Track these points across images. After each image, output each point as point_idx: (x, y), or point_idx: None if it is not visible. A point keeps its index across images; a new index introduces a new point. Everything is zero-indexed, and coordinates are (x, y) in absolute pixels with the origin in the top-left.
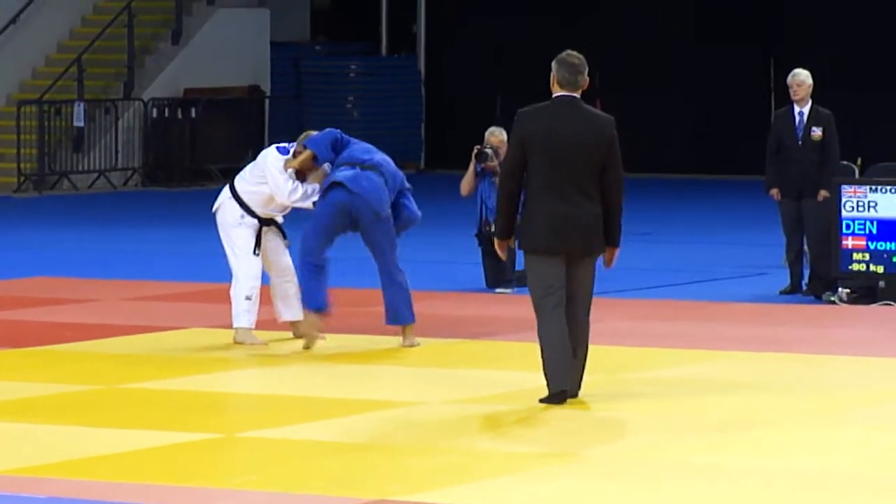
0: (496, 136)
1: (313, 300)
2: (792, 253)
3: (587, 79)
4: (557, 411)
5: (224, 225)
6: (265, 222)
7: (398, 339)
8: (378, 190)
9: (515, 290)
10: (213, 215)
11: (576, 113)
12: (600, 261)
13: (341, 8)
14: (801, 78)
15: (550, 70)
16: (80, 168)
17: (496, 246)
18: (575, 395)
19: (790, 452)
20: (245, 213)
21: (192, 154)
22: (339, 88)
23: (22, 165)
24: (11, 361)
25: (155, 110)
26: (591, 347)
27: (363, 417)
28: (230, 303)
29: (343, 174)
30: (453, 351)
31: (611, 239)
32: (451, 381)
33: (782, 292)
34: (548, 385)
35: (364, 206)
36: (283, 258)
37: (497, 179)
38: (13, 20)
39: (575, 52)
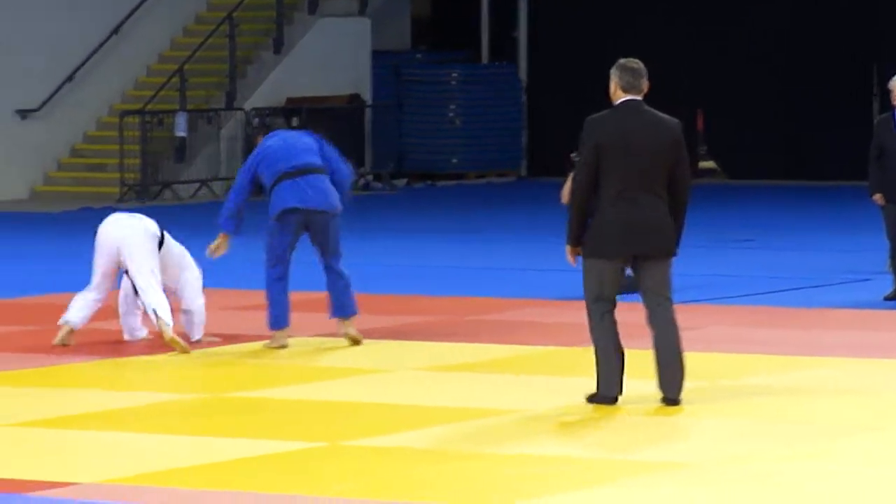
0: None
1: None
2: (895, 258)
3: (648, 83)
4: (657, 419)
5: None
6: None
7: (494, 348)
8: (326, 191)
9: (624, 296)
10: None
11: (644, 117)
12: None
13: (442, 16)
14: None
15: (609, 78)
16: (183, 178)
17: (567, 253)
18: (677, 401)
19: (895, 460)
20: None
21: None
22: (439, 97)
23: (124, 176)
24: (113, 371)
25: (257, 119)
26: (692, 354)
27: (463, 425)
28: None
29: (281, 200)
30: (552, 358)
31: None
32: (549, 389)
33: (886, 298)
34: (597, 388)
35: (317, 215)
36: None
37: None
38: (115, 31)
39: (631, 59)
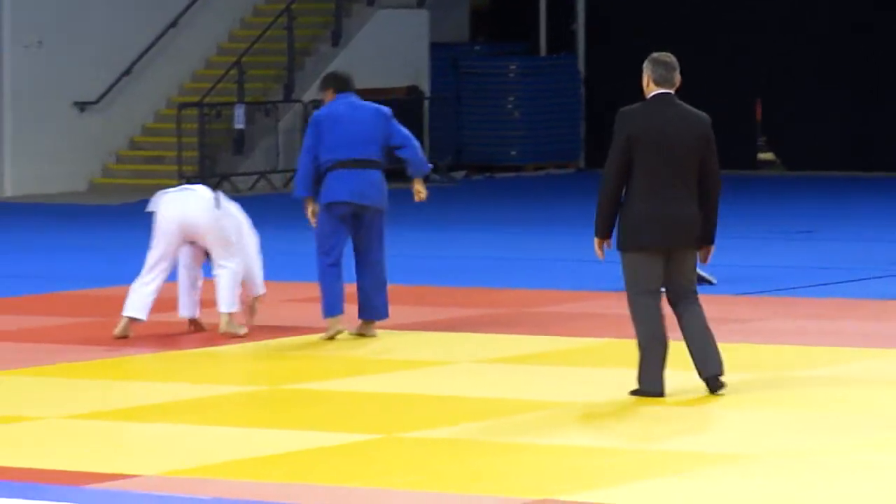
0: None
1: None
2: None
3: (680, 77)
4: (719, 411)
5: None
6: None
7: (553, 339)
8: (377, 186)
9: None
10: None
11: (675, 110)
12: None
13: (500, 8)
14: None
15: (642, 71)
16: (241, 170)
17: (595, 245)
18: (721, 378)
19: None
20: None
21: None
22: (498, 89)
23: (182, 168)
24: (175, 363)
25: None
26: (755, 346)
27: (520, 417)
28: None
29: (341, 187)
30: (615, 350)
31: (708, 237)
32: (611, 381)
33: None
34: (639, 383)
35: (365, 210)
36: None
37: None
38: (173, 24)
39: (663, 53)
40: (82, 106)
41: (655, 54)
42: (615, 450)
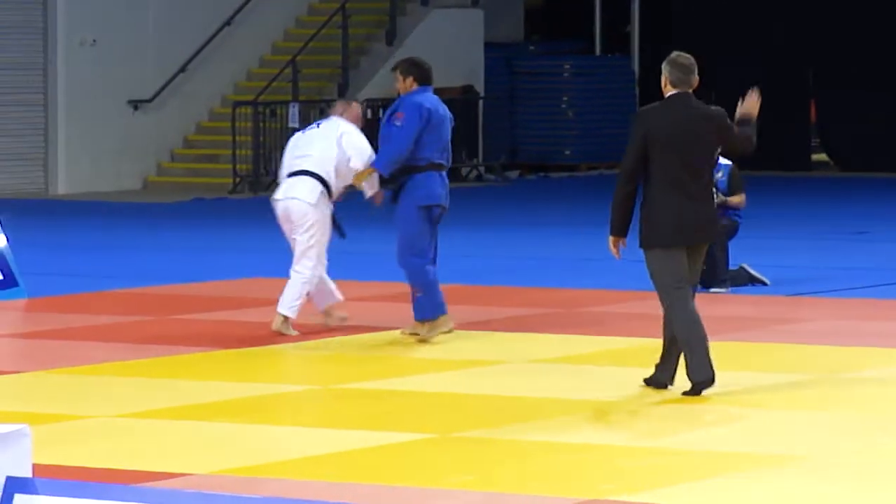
0: None
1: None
2: None
3: (697, 78)
4: (766, 413)
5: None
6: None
7: (605, 339)
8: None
9: (730, 289)
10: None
11: (692, 110)
12: None
13: (554, 8)
14: None
15: (660, 73)
16: None
17: (610, 243)
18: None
19: None
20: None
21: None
22: (552, 88)
23: (237, 167)
24: (228, 362)
25: (370, 111)
26: (806, 347)
27: (574, 417)
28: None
29: (440, 191)
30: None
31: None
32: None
33: None
34: (690, 377)
35: (444, 212)
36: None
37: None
38: (228, 22)
39: (685, 54)
40: (136, 104)
41: (674, 55)
42: (664, 450)
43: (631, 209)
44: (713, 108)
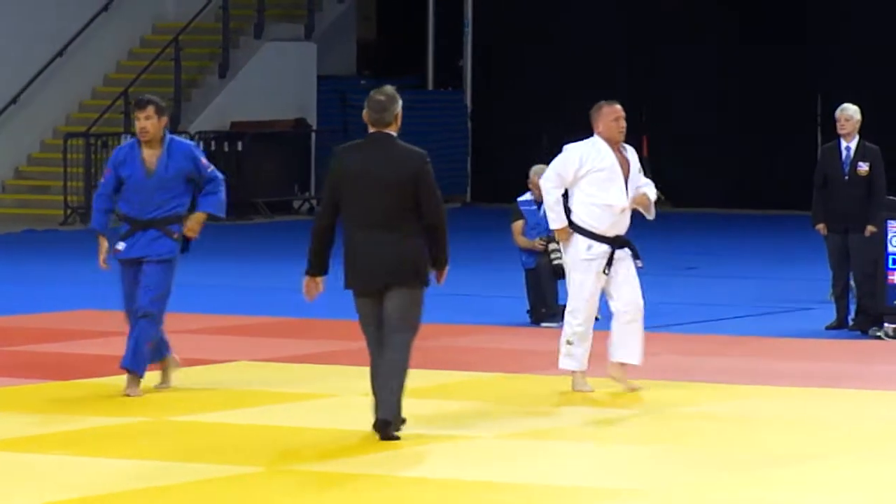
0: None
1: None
2: (838, 288)
3: (394, 115)
4: (603, 447)
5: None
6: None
7: (436, 373)
8: None
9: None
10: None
11: (387, 151)
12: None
13: (387, 42)
14: (850, 113)
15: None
16: None
17: (304, 282)
18: (389, 423)
19: (839, 488)
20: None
21: (239, 187)
22: None
23: (69, 198)
24: (59, 393)
25: (202, 143)
26: (638, 382)
27: (401, 452)
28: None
29: None
30: (493, 385)
31: (439, 261)
32: (491, 414)
33: (828, 327)
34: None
35: None
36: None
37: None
38: (60, 53)
39: (384, 89)
40: None
41: (372, 92)
42: (502, 485)
43: (325, 248)
44: (414, 150)
